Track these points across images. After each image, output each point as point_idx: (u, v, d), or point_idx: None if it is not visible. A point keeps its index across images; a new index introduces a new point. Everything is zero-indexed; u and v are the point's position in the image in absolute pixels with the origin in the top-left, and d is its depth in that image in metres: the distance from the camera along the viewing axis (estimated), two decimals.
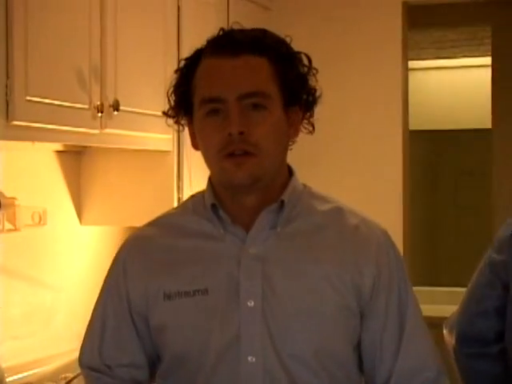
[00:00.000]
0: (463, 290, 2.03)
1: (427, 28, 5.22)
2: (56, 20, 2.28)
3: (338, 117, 3.92)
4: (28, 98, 2.16)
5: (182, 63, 1.50)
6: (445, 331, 1.99)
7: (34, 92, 2.18)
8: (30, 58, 2.16)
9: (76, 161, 2.99)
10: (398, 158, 3.85)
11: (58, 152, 2.88)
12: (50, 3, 2.26)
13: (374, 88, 3.87)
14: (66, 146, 2.83)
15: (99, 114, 2.45)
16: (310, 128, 1.55)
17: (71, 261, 2.95)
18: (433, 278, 6.20)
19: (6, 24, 2.08)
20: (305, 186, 1.55)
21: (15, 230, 2.64)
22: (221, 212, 1.46)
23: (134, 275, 1.51)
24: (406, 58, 3.91)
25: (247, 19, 3.70)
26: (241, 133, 1.38)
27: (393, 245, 1.53)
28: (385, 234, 1.52)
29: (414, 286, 1.56)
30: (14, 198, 2.60)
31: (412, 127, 4.25)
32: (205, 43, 1.48)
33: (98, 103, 2.44)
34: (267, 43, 1.44)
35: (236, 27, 1.48)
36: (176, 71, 1.51)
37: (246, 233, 1.45)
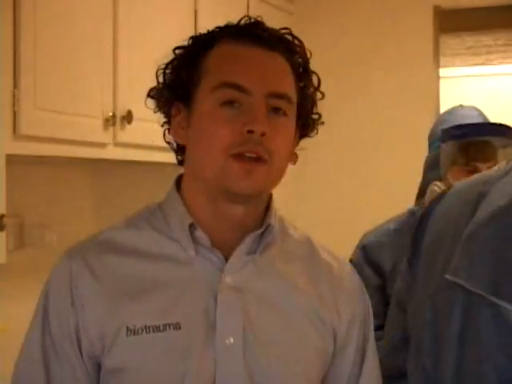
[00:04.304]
0: None
1: (460, 33, 5.20)
2: (66, 27, 2.30)
3: (364, 127, 3.92)
4: (36, 108, 2.17)
5: (190, 41, 1.37)
6: None
7: (43, 103, 2.20)
8: (38, 67, 2.18)
9: (87, 175, 3.01)
10: None
11: (68, 166, 2.89)
12: (60, 10, 2.28)
13: (403, 97, 3.87)
14: (76, 159, 2.85)
15: (111, 127, 2.46)
16: (294, 157, 1.40)
17: None
18: None
19: (14, 31, 2.10)
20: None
21: (22, 249, 2.65)
22: (199, 233, 1.32)
23: (87, 305, 1.29)
24: (437, 65, 3.90)
25: (268, 23, 3.74)
26: (262, 134, 1.25)
27: (361, 284, 1.47)
28: (354, 272, 1.48)
29: None
30: (20, 216, 2.61)
31: None
32: (220, 26, 1.38)
33: (110, 114, 2.45)
34: (295, 50, 1.36)
35: (260, 19, 1.37)
36: (178, 48, 1.38)
37: (223, 258, 1.32)
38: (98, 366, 1.30)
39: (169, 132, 1.39)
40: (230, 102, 1.27)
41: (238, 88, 1.27)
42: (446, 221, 1.85)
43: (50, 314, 1.31)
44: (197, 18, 2.97)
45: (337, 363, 1.40)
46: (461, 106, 2.60)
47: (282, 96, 1.30)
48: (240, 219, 1.33)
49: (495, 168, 1.86)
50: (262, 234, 1.35)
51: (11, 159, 2.05)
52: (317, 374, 1.36)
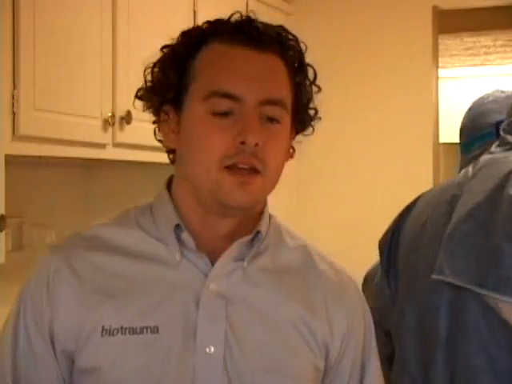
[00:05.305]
0: None
1: (459, 33, 5.21)
2: (65, 27, 2.30)
3: (362, 128, 3.91)
4: (35, 109, 2.17)
5: (178, 39, 1.30)
6: None
7: (42, 103, 2.20)
8: (37, 68, 2.18)
9: (86, 175, 3.01)
10: (428, 171, 3.84)
11: (67, 166, 2.89)
12: (59, 10, 2.28)
13: (402, 97, 3.87)
14: (75, 159, 2.85)
15: (110, 127, 2.46)
16: (291, 151, 1.35)
17: None
18: None
19: (13, 33, 2.10)
20: (270, 215, 1.38)
21: (21, 249, 2.65)
22: (185, 235, 1.26)
23: (63, 302, 1.25)
24: (436, 66, 3.90)
25: None
26: (256, 145, 1.21)
27: (362, 297, 1.41)
28: (354, 284, 1.40)
29: None
30: (19, 216, 2.61)
31: (444, 140, 4.24)
32: (210, 22, 1.30)
33: (109, 115, 2.45)
34: (290, 45, 1.30)
35: (252, 16, 1.30)
36: (165, 47, 1.32)
37: (210, 263, 1.26)
38: (71, 364, 1.26)
39: (159, 130, 1.34)
40: (221, 112, 1.23)
41: (230, 97, 1.22)
42: (419, 227, 1.85)
43: (26, 313, 1.28)
44: (196, 19, 2.97)
45: (331, 379, 1.33)
46: (501, 91, 2.19)
47: (276, 102, 1.24)
48: (230, 231, 1.29)
49: (463, 171, 1.86)
50: (252, 240, 1.30)
51: (11, 160, 2.05)
52: None
